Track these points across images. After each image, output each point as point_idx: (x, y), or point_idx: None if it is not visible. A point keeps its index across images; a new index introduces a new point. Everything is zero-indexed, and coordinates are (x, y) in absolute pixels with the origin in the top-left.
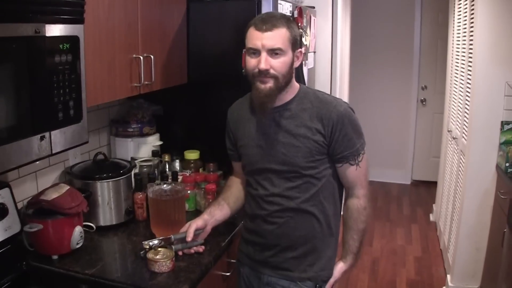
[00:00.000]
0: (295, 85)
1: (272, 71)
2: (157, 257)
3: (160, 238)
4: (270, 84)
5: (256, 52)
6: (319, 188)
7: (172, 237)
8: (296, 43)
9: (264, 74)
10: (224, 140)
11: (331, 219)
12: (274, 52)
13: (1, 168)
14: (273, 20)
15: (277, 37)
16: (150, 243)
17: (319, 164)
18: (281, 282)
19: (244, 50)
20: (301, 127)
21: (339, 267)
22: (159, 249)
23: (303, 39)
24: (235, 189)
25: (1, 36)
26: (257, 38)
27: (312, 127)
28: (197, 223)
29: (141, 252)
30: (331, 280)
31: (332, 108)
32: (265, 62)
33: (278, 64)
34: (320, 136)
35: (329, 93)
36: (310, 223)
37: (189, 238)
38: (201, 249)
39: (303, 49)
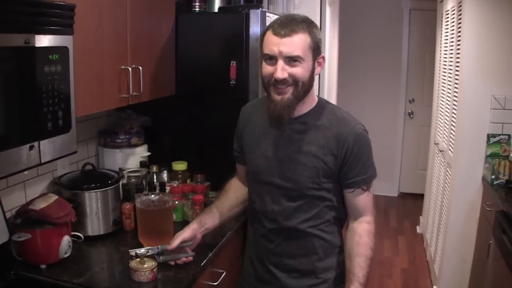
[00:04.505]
0: (314, 97)
1: (290, 79)
2: (140, 266)
3: (147, 248)
4: (287, 94)
5: (272, 59)
6: (320, 209)
7: (160, 247)
8: (317, 49)
9: (281, 83)
10: (212, 151)
11: (332, 242)
12: (292, 60)
13: None
14: (292, 24)
15: (296, 43)
16: (137, 252)
17: (322, 187)
18: None
19: (232, 62)
20: (313, 144)
21: None
22: (145, 258)
23: None
24: (231, 194)
25: None
26: (274, 43)
27: (325, 146)
28: (184, 235)
29: (129, 260)
30: None
31: (349, 130)
32: (281, 70)
33: (298, 71)
34: (332, 157)
35: None
36: (311, 243)
37: (170, 247)
38: (190, 258)
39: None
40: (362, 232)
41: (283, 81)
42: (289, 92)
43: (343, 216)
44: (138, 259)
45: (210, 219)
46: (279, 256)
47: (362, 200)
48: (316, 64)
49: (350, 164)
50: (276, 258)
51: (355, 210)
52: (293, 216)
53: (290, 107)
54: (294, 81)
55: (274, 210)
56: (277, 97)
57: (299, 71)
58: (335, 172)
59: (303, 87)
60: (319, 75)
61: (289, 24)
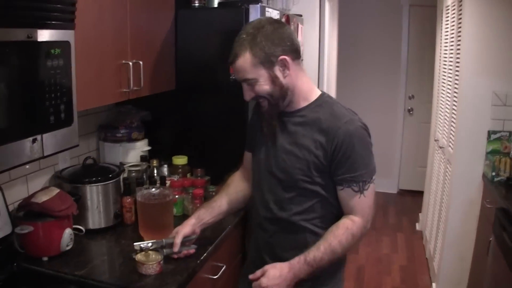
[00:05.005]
0: (312, 92)
1: (257, 95)
2: (145, 259)
3: (152, 241)
4: (266, 106)
5: None
6: (313, 204)
7: (164, 241)
8: (268, 58)
9: (256, 99)
10: (212, 146)
11: None
12: (247, 81)
13: None
14: (236, 47)
15: (241, 68)
16: (141, 245)
17: (315, 181)
18: None
19: None
20: (307, 137)
21: (278, 263)
22: (149, 252)
23: None
24: (232, 189)
25: None
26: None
27: (317, 140)
28: (184, 231)
29: (133, 254)
30: (257, 272)
31: (341, 125)
32: (245, 93)
33: (257, 89)
34: (322, 151)
35: None
36: (303, 236)
37: (175, 249)
38: (192, 251)
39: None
40: (340, 225)
41: (255, 98)
42: (265, 104)
43: (341, 214)
44: (142, 252)
45: (208, 214)
46: (273, 247)
47: (352, 200)
48: (278, 68)
49: (339, 160)
50: (270, 248)
51: (345, 208)
52: (286, 207)
53: (273, 115)
54: (260, 96)
55: (269, 199)
56: (261, 108)
57: (258, 88)
58: (326, 167)
59: (273, 97)
60: (318, 71)
61: (234, 47)
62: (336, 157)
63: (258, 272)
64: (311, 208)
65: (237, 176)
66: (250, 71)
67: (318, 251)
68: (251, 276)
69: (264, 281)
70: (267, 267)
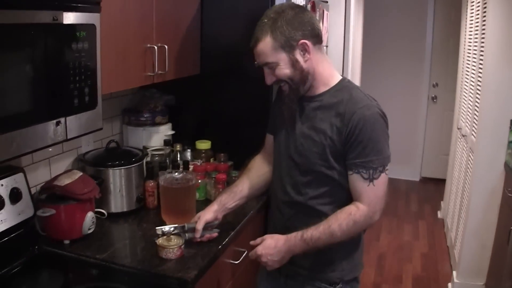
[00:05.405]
0: (333, 77)
1: (278, 79)
2: (166, 243)
3: (174, 225)
4: (286, 90)
5: None
6: (330, 188)
7: (186, 225)
8: (288, 42)
9: (277, 83)
10: (235, 131)
11: None
12: (268, 65)
13: (19, 151)
14: (258, 32)
15: (261, 52)
16: (163, 229)
17: (331, 165)
18: (296, 278)
19: None
20: (325, 121)
21: (277, 235)
22: (171, 236)
23: None
24: (253, 173)
25: (20, 23)
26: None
27: (334, 124)
28: (206, 217)
29: (155, 238)
30: (258, 239)
31: (357, 109)
32: (266, 77)
33: (278, 73)
34: (337, 135)
35: None
36: (319, 220)
37: (197, 235)
38: (214, 235)
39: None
40: (344, 210)
41: (276, 82)
42: (286, 88)
43: None
44: (164, 237)
45: (230, 199)
46: (290, 230)
47: (361, 187)
48: (298, 52)
49: (351, 144)
50: (287, 231)
51: (354, 194)
52: (303, 191)
53: (293, 99)
54: (281, 80)
55: (286, 182)
56: (282, 93)
57: (279, 72)
58: (341, 151)
59: (293, 81)
60: (343, 57)
61: (256, 31)
62: (349, 140)
63: (258, 240)
64: (327, 193)
65: (259, 160)
66: (271, 54)
67: (316, 231)
68: (251, 242)
69: (259, 248)
70: (266, 236)
